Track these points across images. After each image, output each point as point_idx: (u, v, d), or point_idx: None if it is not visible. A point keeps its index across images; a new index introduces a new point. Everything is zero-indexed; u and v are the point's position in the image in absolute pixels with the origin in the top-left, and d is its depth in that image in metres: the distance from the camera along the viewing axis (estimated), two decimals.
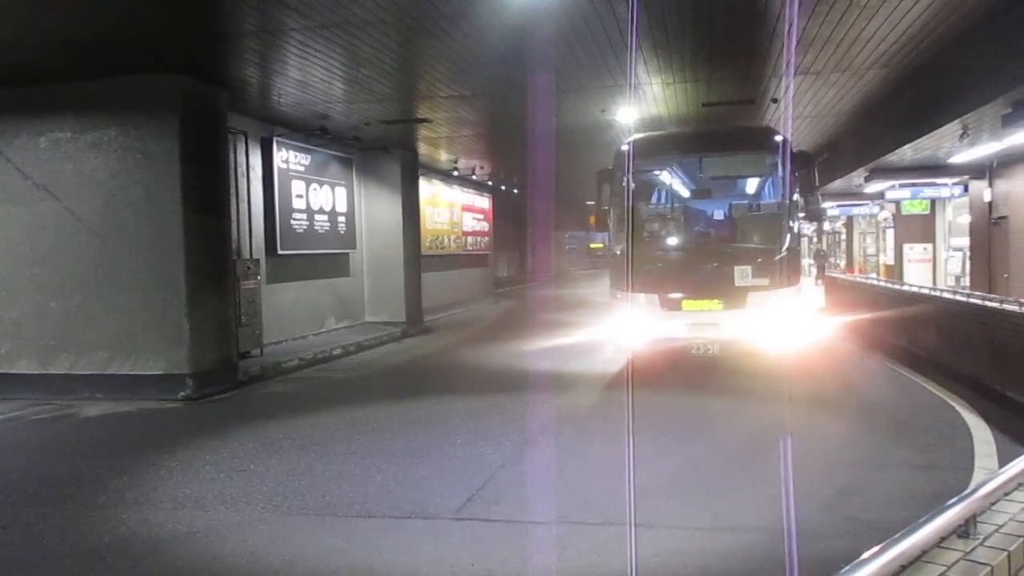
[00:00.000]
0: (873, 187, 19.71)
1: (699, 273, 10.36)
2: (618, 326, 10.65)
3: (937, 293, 12.02)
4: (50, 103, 10.25)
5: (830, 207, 28.20)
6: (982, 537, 3.00)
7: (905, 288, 13.75)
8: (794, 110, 14.34)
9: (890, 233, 24.70)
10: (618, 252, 10.93)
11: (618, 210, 10.83)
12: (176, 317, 10.02)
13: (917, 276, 20.33)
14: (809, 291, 27.55)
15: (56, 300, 10.32)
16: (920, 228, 21.70)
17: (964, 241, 20.24)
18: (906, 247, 21.87)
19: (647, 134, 12.46)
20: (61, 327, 10.32)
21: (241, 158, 13.23)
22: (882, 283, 16.04)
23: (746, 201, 11.26)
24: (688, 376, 10.69)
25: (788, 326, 9.96)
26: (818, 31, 9.37)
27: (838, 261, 36.35)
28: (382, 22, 8.65)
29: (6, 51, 9.05)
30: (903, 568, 2.67)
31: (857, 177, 18.92)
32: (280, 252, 14.29)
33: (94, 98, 10.16)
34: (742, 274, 10.03)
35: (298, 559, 4.77)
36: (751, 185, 11.41)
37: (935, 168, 17.36)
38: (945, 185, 19.06)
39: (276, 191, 14.19)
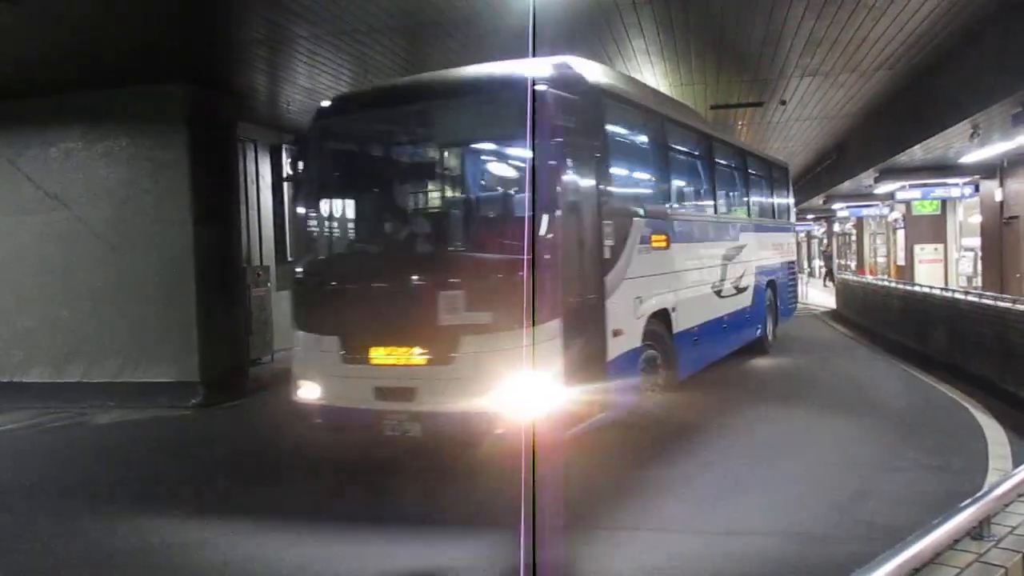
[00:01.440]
0: (883, 188, 19.63)
1: (388, 302, 6.19)
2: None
3: (948, 294, 11.95)
4: (61, 113, 10.33)
5: (841, 208, 27.99)
6: (996, 539, 2.99)
7: (916, 289, 13.69)
8: (803, 111, 14.31)
9: (901, 234, 24.59)
10: (299, 270, 7.17)
11: (298, 205, 7.31)
12: (186, 325, 10.06)
13: (928, 277, 20.21)
14: (820, 291, 27.50)
15: (67, 309, 10.38)
16: (931, 229, 21.59)
17: (975, 241, 20.13)
18: (917, 248, 21.76)
19: (354, 90, 9.09)
20: (73, 335, 10.37)
21: (251, 166, 13.28)
22: (892, 284, 15.96)
23: (474, 182, 7.05)
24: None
25: (532, 397, 5.52)
26: (826, 32, 9.35)
27: (848, 263, 36.20)
28: (389, 28, 8.69)
29: (17, 64, 9.11)
30: (916, 571, 2.66)
31: (867, 178, 18.85)
32: (290, 259, 14.30)
33: (104, 108, 10.22)
34: (450, 305, 5.78)
35: (309, 564, 4.77)
36: (490, 157, 7.15)
37: (945, 168, 17.28)
38: (956, 185, 18.96)
39: (286, 197, 14.24)
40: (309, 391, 6.38)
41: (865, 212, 27.37)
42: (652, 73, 11.20)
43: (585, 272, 6.38)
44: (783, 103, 13.24)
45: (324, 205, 7.25)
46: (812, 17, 8.82)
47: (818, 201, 27.72)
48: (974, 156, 14.63)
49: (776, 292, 12.64)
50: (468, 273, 5.90)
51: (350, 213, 7.46)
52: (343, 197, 7.26)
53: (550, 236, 5.71)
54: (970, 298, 10.76)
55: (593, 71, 7.03)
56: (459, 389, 5.74)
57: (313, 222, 7.19)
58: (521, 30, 8.67)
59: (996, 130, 11.96)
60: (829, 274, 29.12)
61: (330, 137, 7.11)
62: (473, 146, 7.06)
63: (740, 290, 10.66)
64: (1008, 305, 9.13)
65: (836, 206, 28.13)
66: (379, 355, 6.04)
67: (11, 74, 9.52)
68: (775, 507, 5.45)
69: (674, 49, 10.13)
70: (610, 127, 7.13)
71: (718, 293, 9.81)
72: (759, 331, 11.79)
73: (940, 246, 21.48)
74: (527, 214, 5.72)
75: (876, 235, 32.19)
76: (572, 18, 8.60)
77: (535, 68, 6.03)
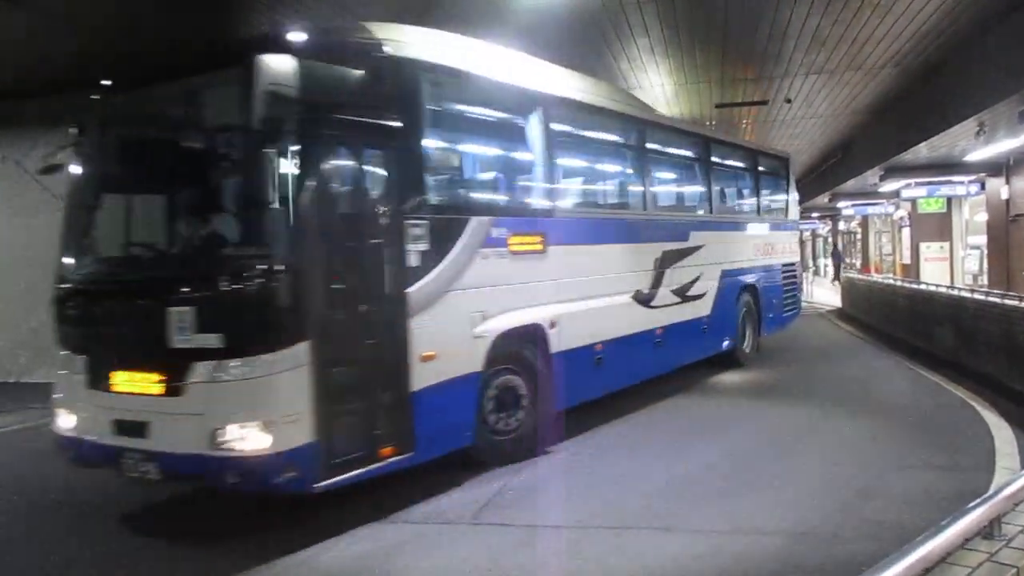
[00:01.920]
0: (888, 186, 19.61)
1: (122, 317, 5.29)
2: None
3: (954, 292, 11.92)
4: (67, 112, 10.33)
5: (846, 206, 27.91)
6: (1007, 538, 2.98)
7: (921, 287, 13.66)
8: (808, 109, 14.29)
9: (906, 232, 24.54)
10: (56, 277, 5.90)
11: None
12: None
13: (934, 275, 20.19)
14: (827, 290, 27.44)
15: None
16: (937, 226, 21.55)
17: (981, 239, 20.08)
18: (923, 246, 21.72)
19: None
20: None
21: None
22: (897, 283, 15.93)
23: (201, 175, 5.42)
24: None
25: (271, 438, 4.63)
26: (831, 30, 9.34)
27: (854, 261, 36.14)
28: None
29: (19, 66, 9.14)
30: (927, 571, 2.65)
31: (872, 176, 18.83)
32: None
33: None
34: (179, 322, 4.79)
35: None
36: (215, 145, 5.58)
37: (951, 166, 17.26)
38: (961, 183, 18.93)
39: None
40: (63, 420, 5.49)
41: (870, 210, 27.35)
42: (657, 72, 11.20)
43: (368, 283, 5.35)
44: (788, 101, 13.23)
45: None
46: (817, 15, 8.81)
47: (823, 199, 27.67)
48: (980, 154, 14.60)
49: (758, 298, 11.45)
50: (197, 285, 4.85)
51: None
52: (80, 193, 5.95)
53: (286, 236, 4.71)
54: (976, 296, 10.73)
55: (406, 39, 5.90)
56: (193, 426, 4.72)
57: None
58: (522, 27, 8.69)
59: (1002, 127, 11.94)
60: (837, 272, 29.03)
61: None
62: (192, 132, 5.76)
63: (690, 298, 9.51)
64: (1015, 303, 9.10)
65: (841, 204, 28.08)
66: (116, 381, 5.09)
67: (13, 75, 9.54)
68: (780, 505, 5.44)
69: (679, 47, 10.14)
70: (431, 105, 6.02)
71: (645, 303, 8.60)
72: (727, 343, 10.61)
73: (946, 244, 21.45)
74: (282, 211, 4.67)
75: (881, 233, 32.13)
76: (577, 17, 8.60)
77: (298, 38, 4.91)
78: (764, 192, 12.27)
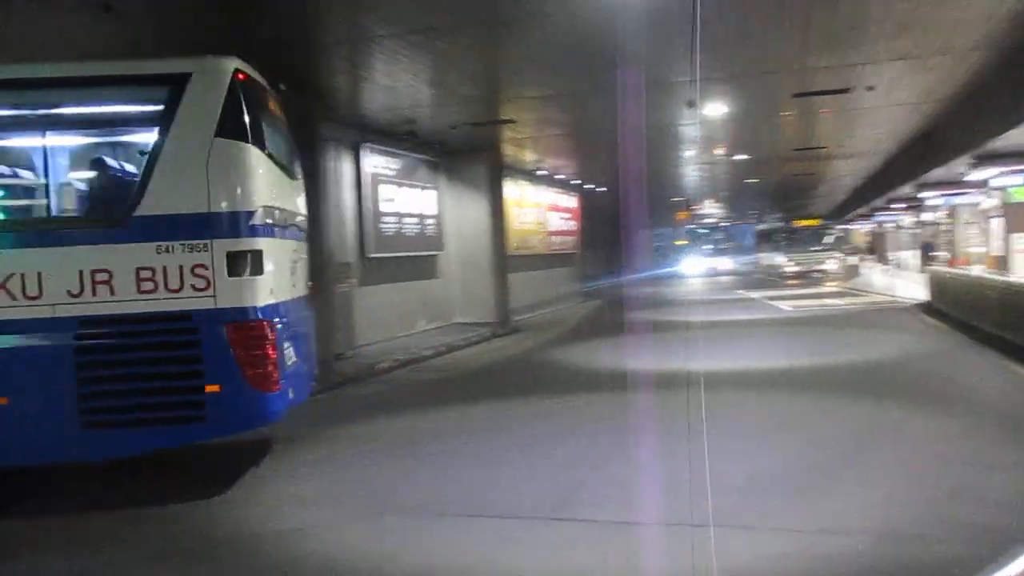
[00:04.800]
0: (977, 175, 18.79)
1: None
2: None
3: None
4: None
5: (932, 196, 26.93)
6: None
7: (1013, 280, 13.06)
8: (892, 96, 13.81)
9: (997, 223, 23.52)
10: None
11: None
12: None
13: None
14: (911, 283, 26.53)
15: None
16: None
17: None
18: (1015, 236, 20.76)
19: None
20: None
21: (332, 164, 13.56)
22: (987, 276, 15.27)
23: None
24: None
25: None
26: (916, 13, 9.00)
27: (941, 253, 34.78)
28: (467, 25, 8.76)
29: None
30: None
31: (960, 165, 18.08)
32: (370, 255, 14.62)
33: None
34: None
35: (394, 556, 4.86)
36: None
37: None
38: None
39: (366, 196, 14.53)
40: None
41: (958, 200, 26.24)
42: (731, 62, 10.98)
43: None
44: (870, 89, 12.80)
45: None
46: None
47: (907, 190, 26.73)
48: None
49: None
50: None
51: None
52: None
53: None
54: None
55: None
56: None
57: None
58: (596, 22, 8.66)
59: None
60: (927, 261, 28.11)
61: None
62: None
63: None
64: None
65: (926, 194, 27.06)
66: None
67: None
68: (868, 505, 5.30)
69: (764, 35, 9.90)
70: None
71: None
72: None
73: None
74: None
75: (970, 224, 30.85)
76: (649, 11, 8.50)
77: None
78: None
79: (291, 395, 6.46)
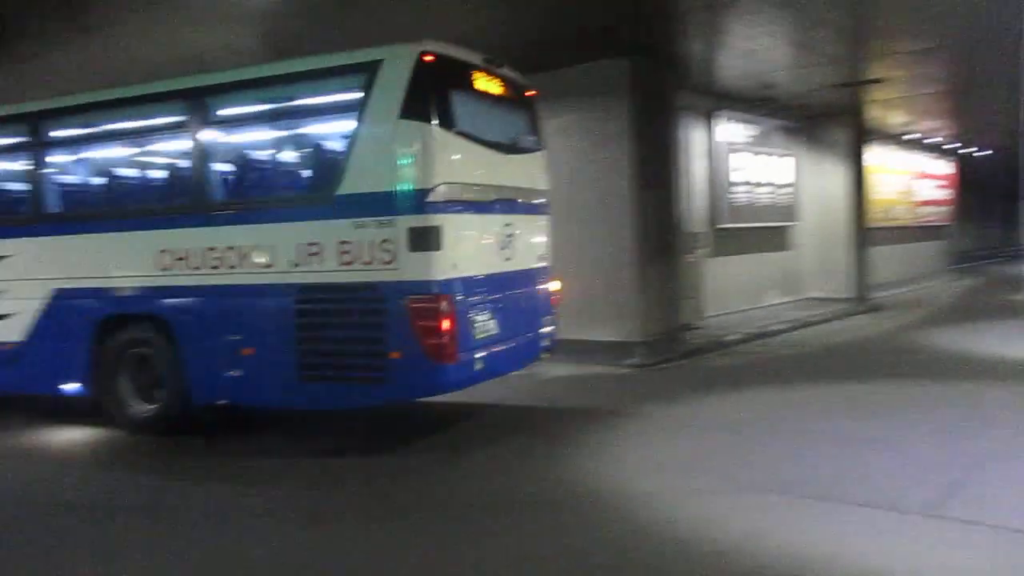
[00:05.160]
0: None
1: None
2: None
3: None
4: None
5: None
6: None
7: None
8: None
9: None
10: None
11: None
12: (627, 288, 10.60)
13: None
14: None
15: None
16: None
17: None
18: None
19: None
20: None
21: (683, 133, 13.49)
22: None
23: None
24: None
25: None
26: None
27: None
28: None
29: (494, 53, 10.27)
30: None
31: None
32: (721, 225, 14.38)
33: (558, 88, 11.07)
34: None
35: (753, 534, 4.75)
36: None
37: None
38: None
39: (717, 165, 14.29)
40: None
41: None
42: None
43: None
44: None
45: None
46: None
47: None
48: None
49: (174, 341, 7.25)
50: None
51: None
52: None
53: None
54: None
55: None
56: None
57: None
58: None
59: None
60: None
61: None
62: None
63: None
64: None
65: None
66: None
67: None
68: None
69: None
70: None
71: None
72: (68, 386, 7.94)
73: None
74: None
75: None
76: None
77: None
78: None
79: (480, 366, 6.68)
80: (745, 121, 14.95)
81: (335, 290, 6.55)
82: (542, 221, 8.05)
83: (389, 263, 6.31)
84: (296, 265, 6.67)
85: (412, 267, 6.26)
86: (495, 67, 7.34)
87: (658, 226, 11.00)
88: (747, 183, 15.07)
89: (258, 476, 6.40)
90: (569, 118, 11.02)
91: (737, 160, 14.78)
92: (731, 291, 14.67)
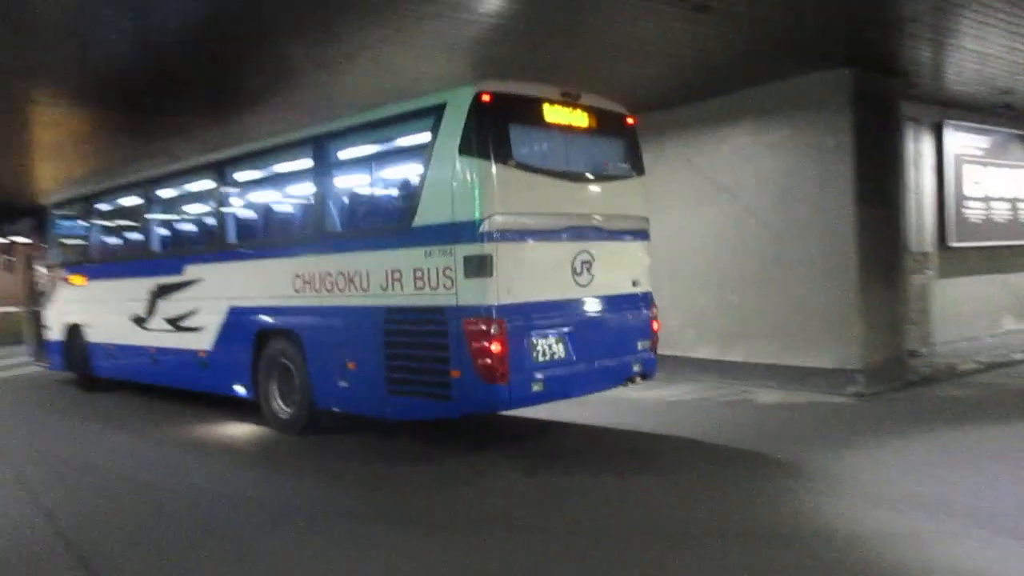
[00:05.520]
0: None
1: None
2: None
3: None
4: (730, 112, 11.14)
5: None
6: None
7: None
8: None
9: None
10: None
11: None
12: (845, 311, 9.94)
13: None
14: None
15: (735, 292, 11.18)
16: None
17: None
18: None
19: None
20: (739, 317, 11.13)
21: (909, 145, 12.56)
22: None
23: None
24: None
25: None
26: None
27: None
28: None
29: (703, 69, 10.08)
30: None
31: None
32: (951, 244, 13.20)
33: (768, 102, 10.69)
34: None
35: None
36: None
37: None
38: None
39: (948, 178, 13.17)
40: None
41: None
42: None
43: None
44: None
45: None
46: None
47: None
48: None
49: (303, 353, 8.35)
50: None
51: None
52: None
53: None
54: None
55: None
56: None
57: None
58: None
59: None
60: None
61: None
62: None
63: (185, 328, 10.07)
64: None
65: None
66: None
67: (692, 79, 10.56)
68: None
69: None
70: None
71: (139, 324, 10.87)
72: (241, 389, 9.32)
73: None
74: None
75: None
76: None
77: None
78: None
79: (539, 388, 6.93)
80: (978, 131, 13.70)
81: (411, 312, 7.18)
82: (634, 247, 8.15)
83: (450, 288, 6.81)
84: (384, 289, 7.40)
85: (467, 292, 6.71)
86: (572, 99, 7.53)
87: (881, 245, 10.26)
88: (981, 198, 13.78)
89: (478, 491, 6.56)
90: (781, 134, 10.62)
91: (969, 173, 13.56)
92: (962, 316, 13.40)
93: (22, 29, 7.76)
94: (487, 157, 6.73)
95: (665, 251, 12.07)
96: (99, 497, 6.67)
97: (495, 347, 6.60)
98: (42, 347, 13.61)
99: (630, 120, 8.19)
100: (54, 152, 14.55)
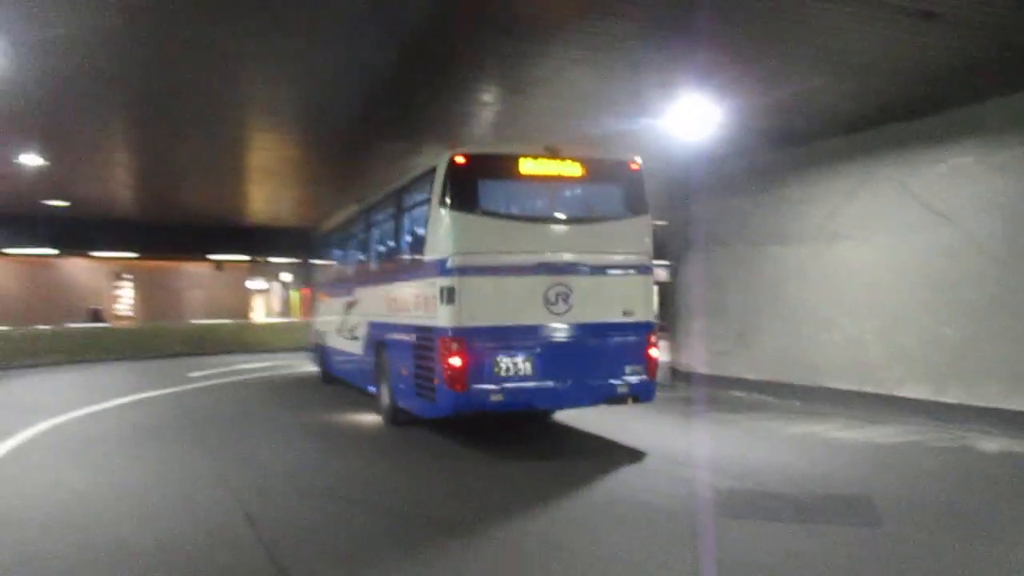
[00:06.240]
0: None
1: None
2: None
3: None
4: (949, 130, 10.20)
5: None
6: None
7: None
8: None
9: None
10: None
11: None
12: None
13: None
14: None
15: (949, 326, 10.15)
16: None
17: None
18: None
19: None
20: (954, 354, 10.10)
21: None
22: None
23: None
24: None
25: None
26: None
27: None
28: None
29: (909, 84, 9.27)
30: None
31: None
32: None
33: (996, 119, 9.70)
34: None
35: None
36: None
37: None
38: None
39: None
40: None
41: None
42: None
43: None
44: None
45: None
46: None
47: None
48: None
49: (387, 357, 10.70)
50: None
51: None
52: None
53: None
54: None
55: None
56: None
57: None
58: None
59: None
60: None
61: None
62: None
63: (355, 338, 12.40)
64: None
65: None
66: None
67: (909, 93, 9.74)
68: None
69: None
70: None
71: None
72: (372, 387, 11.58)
73: None
74: None
75: None
76: None
77: None
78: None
79: (498, 398, 8.23)
80: None
81: (423, 330, 8.89)
82: (629, 281, 8.91)
83: (433, 312, 8.52)
84: (411, 311, 9.34)
85: (443, 316, 8.31)
86: (553, 153, 8.73)
87: None
88: None
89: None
90: (1010, 153, 9.56)
91: None
92: None
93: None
94: (457, 207, 8.38)
95: (868, 281, 11.25)
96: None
97: (456, 361, 8.12)
98: (311, 350, 17.36)
99: (633, 166, 9.11)
100: (265, 177, 15.90)
